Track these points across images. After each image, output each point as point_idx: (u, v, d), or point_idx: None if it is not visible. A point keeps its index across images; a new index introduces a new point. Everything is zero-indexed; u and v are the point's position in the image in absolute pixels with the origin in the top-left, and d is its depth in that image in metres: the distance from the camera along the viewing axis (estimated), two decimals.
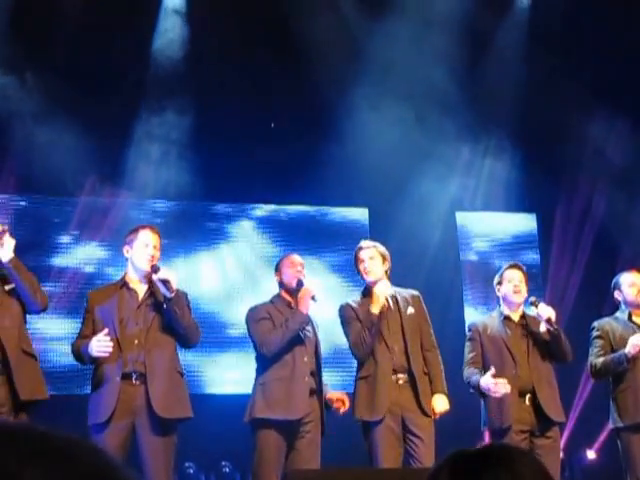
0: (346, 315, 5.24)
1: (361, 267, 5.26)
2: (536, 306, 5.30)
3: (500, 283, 5.43)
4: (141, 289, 4.85)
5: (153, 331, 4.75)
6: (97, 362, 4.71)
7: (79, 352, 4.77)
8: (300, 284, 5.17)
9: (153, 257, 4.83)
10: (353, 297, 5.39)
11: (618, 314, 5.67)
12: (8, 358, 4.50)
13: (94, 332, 4.74)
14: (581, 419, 8.08)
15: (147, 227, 5.02)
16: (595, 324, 5.64)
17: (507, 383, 5.05)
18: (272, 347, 5.04)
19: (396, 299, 5.25)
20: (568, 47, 8.45)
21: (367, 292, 5.26)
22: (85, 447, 0.79)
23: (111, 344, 4.57)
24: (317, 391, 5.13)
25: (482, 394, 5.28)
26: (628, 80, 8.43)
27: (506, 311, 5.41)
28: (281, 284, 5.31)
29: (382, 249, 5.32)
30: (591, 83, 8.35)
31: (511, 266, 5.48)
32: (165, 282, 4.68)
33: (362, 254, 5.28)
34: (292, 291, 5.24)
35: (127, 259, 4.91)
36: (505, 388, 5.04)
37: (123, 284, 4.87)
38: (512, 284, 5.36)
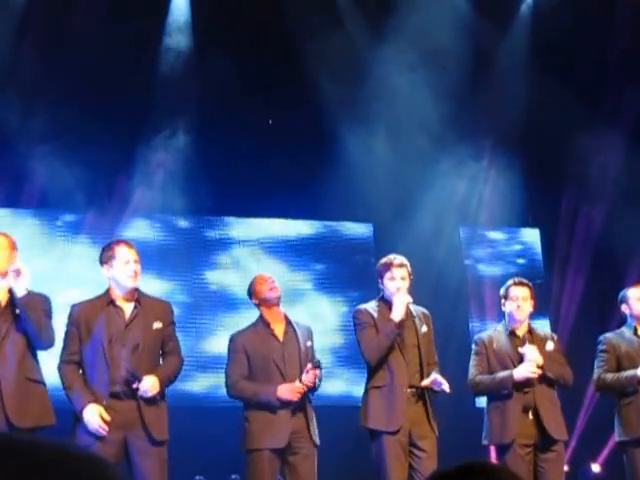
0: (362, 320, 5.24)
1: (392, 284, 5.21)
2: (522, 346, 5.31)
3: (505, 298, 5.44)
4: (127, 307, 4.80)
5: (140, 351, 4.71)
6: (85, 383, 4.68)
7: (66, 386, 4.70)
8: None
9: (136, 272, 4.79)
10: (369, 304, 5.37)
11: (624, 328, 5.70)
12: (1, 385, 4.50)
13: (81, 350, 4.70)
14: (586, 432, 8.10)
15: (122, 243, 4.96)
16: (602, 338, 5.67)
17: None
18: (239, 397, 5.26)
19: (413, 316, 5.29)
20: (569, 64, 8.51)
21: (385, 301, 5.26)
22: (85, 459, 0.80)
23: (106, 429, 4.54)
24: (300, 406, 5.17)
25: (488, 409, 5.33)
26: (629, 96, 8.50)
27: (511, 326, 5.44)
28: (262, 303, 5.34)
29: (409, 268, 5.31)
30: (592, 99, 8.42)
31: (516, 283, 5.47)
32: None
33: (396, 272, 5.22)
34: (275, 309, 5.31)
35: (108, 278, 4.81)
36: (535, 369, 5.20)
37: (110, 301, 4.79)
38: (515, 303, 5.37)
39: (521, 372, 5.21)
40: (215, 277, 8.24)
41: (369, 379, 5.24)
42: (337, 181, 7.89)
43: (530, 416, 5.24)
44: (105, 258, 4.84)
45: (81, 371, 4.73)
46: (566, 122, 8.28)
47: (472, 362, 5.46)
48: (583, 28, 8.28)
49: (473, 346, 5.53)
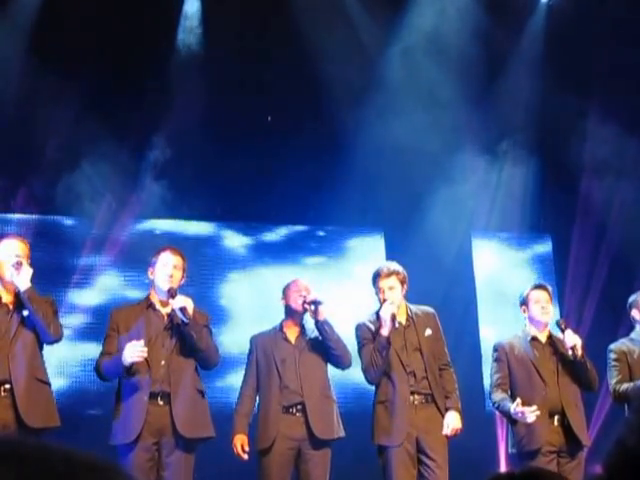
0: (362, 336, 5.23)
1: (380, 296, 5.21)
2: (563, 331, 5.28)
3: (525, 304, 5.40)
4: (165, 311, 4.94)
5: (177, 352, 4.84)
6: (123, 381, 4.80)
7: (103, 368, 4.84)
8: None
9: (171, 276, 4.90)
10: (369, 317, 5.36)
11: (633, 335, 5.64)
12: (13, 384, 4.56)
13: (119, 351, 4.80)
14: (594, 439, 8.03)
15: (168, 248, 5.10)
16: (612, 347, 5.60)
17: (536, 409, 5.03)
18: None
19: (413, 320, 5.26)
20: (584, 68, 8.47)
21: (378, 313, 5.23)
22: (96, 466, 0.79)
23: (145, 349, 4.64)
24: (293, 407, 5.16)
25: (511, 420, 5.24)
26: None
27: (533, 332, 5.38)
28: (287, 309, 5.36)
29: (401, 274, 5.26)
30: (608, 104, 8.36)
31: (536, 287, 5.46)
32: (182, 309, 4.77)
33: (382, 284, 5.20)
34: (297, 316, 5.31)
35: (151, 281, 5.00)
36: (535, 415, 5.01)
37: (149, 305, 4.95)
38: (539, 305, 5.34)
39: None
40: (225, 285, 8.23)
41: (375, 394, 5.23)
42: (348, 188, 7.87)
43: (555, 423, 5.18)
44: (151, 262, 5.02)
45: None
46: (580, 128, 8.23)
47: (491, 370, 5.42)
48: (598, 32, 8.24)
49: (493, 353, 5.46)
